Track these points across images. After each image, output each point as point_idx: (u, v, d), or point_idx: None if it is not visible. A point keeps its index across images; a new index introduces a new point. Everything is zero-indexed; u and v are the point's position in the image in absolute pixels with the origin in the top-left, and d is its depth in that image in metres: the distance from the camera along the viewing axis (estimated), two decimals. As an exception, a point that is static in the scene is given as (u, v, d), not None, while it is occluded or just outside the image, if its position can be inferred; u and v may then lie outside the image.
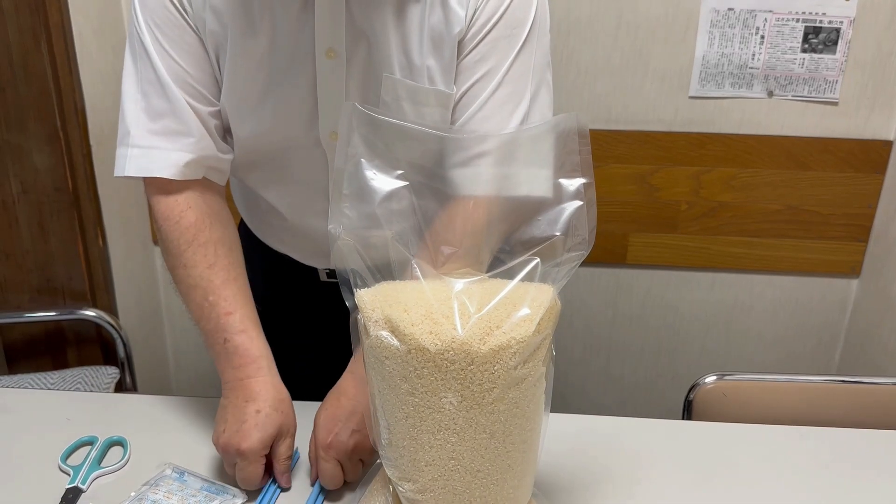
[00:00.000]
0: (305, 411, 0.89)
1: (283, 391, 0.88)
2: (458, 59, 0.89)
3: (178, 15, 0.87)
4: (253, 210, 1.12)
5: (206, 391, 2.09)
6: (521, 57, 0.88)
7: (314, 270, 1.11)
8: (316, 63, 0.88)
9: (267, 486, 0.85)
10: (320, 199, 0.99)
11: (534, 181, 0.72)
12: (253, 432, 0.81)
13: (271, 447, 0.84)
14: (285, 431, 0.85)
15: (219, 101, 0.92)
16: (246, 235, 1.18)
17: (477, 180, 0.85)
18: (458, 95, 0.90)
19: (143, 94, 0.88)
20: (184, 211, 0.90)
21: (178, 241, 0.90)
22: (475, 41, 0.88)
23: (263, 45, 0.87)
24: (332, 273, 1.09)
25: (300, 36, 0.87)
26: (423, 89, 0.89)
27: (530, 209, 0.70)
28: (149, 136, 0.88)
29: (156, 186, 0.91)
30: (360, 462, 0.85)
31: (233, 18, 0.87)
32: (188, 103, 0.88)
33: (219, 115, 0.93)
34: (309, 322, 1.17)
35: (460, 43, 0.88)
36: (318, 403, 0.99)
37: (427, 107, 0.90)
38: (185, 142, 0.89)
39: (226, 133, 0.96)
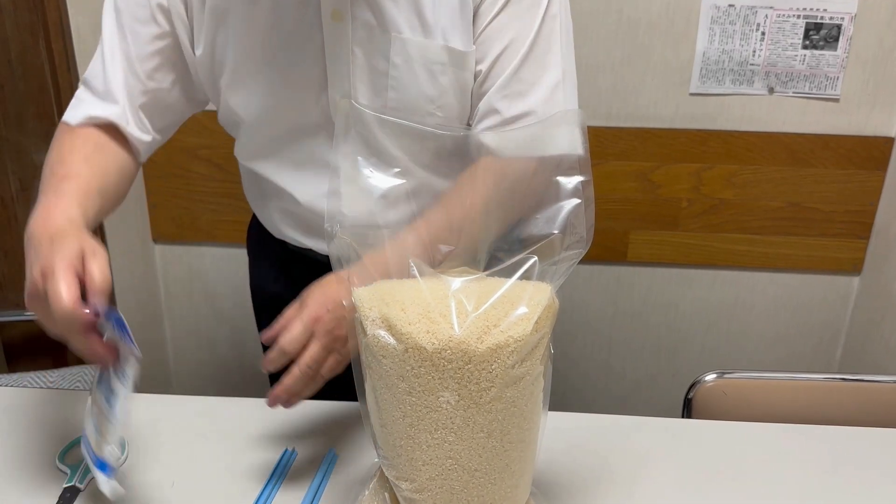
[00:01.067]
0: (313, 412, 0.88)
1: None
2: (482, 25, 0.89)
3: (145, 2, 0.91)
4: (266, 200, 1.10)
5: (206, 389, 2.09)
6: (549, 14, 0.89)
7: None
8: (323, 29, 0.88)
9: (268, 480, 0.85)
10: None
11: (570, 140, 0.72)
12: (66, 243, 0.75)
13: (84, 267, 0.74)
14: (93, 250, 0.76)
15: (162, 84, 0.95)
16: (258, 232, 1.18)
17: (512, 142, 0.87)
18: (489, 62, 0.90)
19: (98, 55, 0.94)
20: (81, 136, 0.92)
21: (70, 144, 0.91)
22: (498, 6, 0.88)
23: (266, 11, 0.88)
24: None
25: (304, 3, 0.87)
26: (435, 47, 0.88)
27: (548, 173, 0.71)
28: (87, 91, 0.95)
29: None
30: (326, 354, 0.78)
31: None
32: (124, 76, 0.92)
33: (152, 95, 0.95)
34: None
35: (480, 8, 0.88)
36: (330, 403, 0.99)
37: (439, 65, 0.90)
38: (109, 107, 0.93)
39: (153, 116, 0.97)
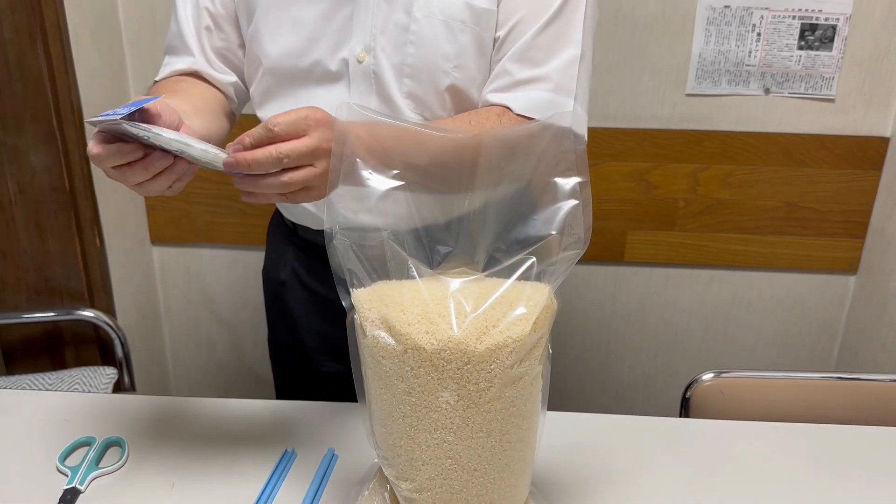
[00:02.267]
0: (312, 412, 0.88)
1: None
2: None
3: None
4: None
5: (204, 391, 2.09)
6: None
7: None
8: None
9: (268, 481, 0.86)
10: None
11: (578, 119, 0.72)
12: None
13: None
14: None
15: (221, 26, 1.01)
16: (278, 225, 1.20)
17: (521, 103, 0.88)
18: (507, 28, 0.91)
19: (172, 16, 1.02)
20: (173, 78, 1.01)
21: (160, 83, 1.00)
22: None
23: None
24: None
25: None
26: (458, 3, 0.90)
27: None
28: (167, 56, 1.03)
29: None
30: (304, 181, 0.73)
31: None
32: (193, 23, 1.00)
33: (223, 45, 1.02)
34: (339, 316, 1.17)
35: None
36: (329, 403, 1.00)
37: (459, 22, 0.91)
38: (185, 58, 1.01)
39: (229, 64, 1.04)
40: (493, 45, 0.94)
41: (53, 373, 1.60)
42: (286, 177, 0.73)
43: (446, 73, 0.93)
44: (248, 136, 0.72)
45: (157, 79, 1.02)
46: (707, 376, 1.17)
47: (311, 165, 0.73)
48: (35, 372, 1.61)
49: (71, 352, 1.70)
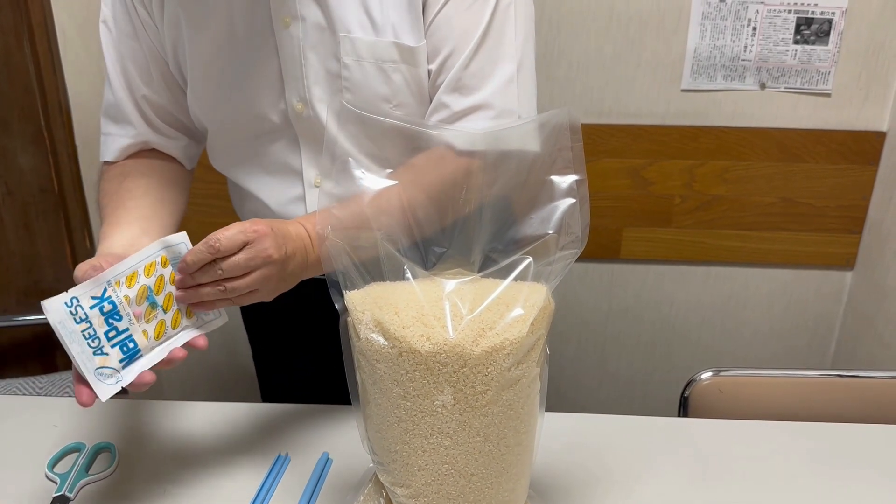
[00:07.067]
0: (306, 416, 0.87)
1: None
2: (431, 16, 0.87)
3: (126, 9, 0.92)
4: (242, 202, 1.10)
5: (197, 394, 2.07)
6: (501, 5, 0.86)
7: None
8: (276, 34, 0.88)
9: (261, 487, 0.84)
10: (296, 185, 0.98)
11: (525, 136, 0.71)
12: None
13: None
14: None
15: (158, 91, 0.96)
16: None
17: (464, 135, 0.85)
18: (440, 60, 0.88)
19: (106, 83, 0.97)
20: (117, 168, 0.97)
21: (105, 187, 0.95)
22: None
23: (222, 27, 0.88)
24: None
25: (256, 10, 0.87)
26: (384, 45, 0.87)
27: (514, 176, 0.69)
28: (107, 122, 0.98)
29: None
30: (249, 293, 0.76)
31: (186, 8, 0.88)
32: (128, 93, 0.95)
33: (160, 103, 0.97)
34: (302, 324, 1.16)
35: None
36: (323, 407, 0.99)
37: (390, 63, 0.88)
38: (128, 129, 0.97)
39: (168, 117, 0.99)
40: (429, 77, 0.90)
41: (44, 377, 1.58)
42: (229, 285, 0.74)
43: (387, 113, 0.91)
44: (190, 255, 0.74)
45: (106, 159, 0.98)
46: (706, 375, 1.16)
47: (248, 274, 0.74)
48: (25, 376, 1.60)
49: (62, 355, 1.69)
